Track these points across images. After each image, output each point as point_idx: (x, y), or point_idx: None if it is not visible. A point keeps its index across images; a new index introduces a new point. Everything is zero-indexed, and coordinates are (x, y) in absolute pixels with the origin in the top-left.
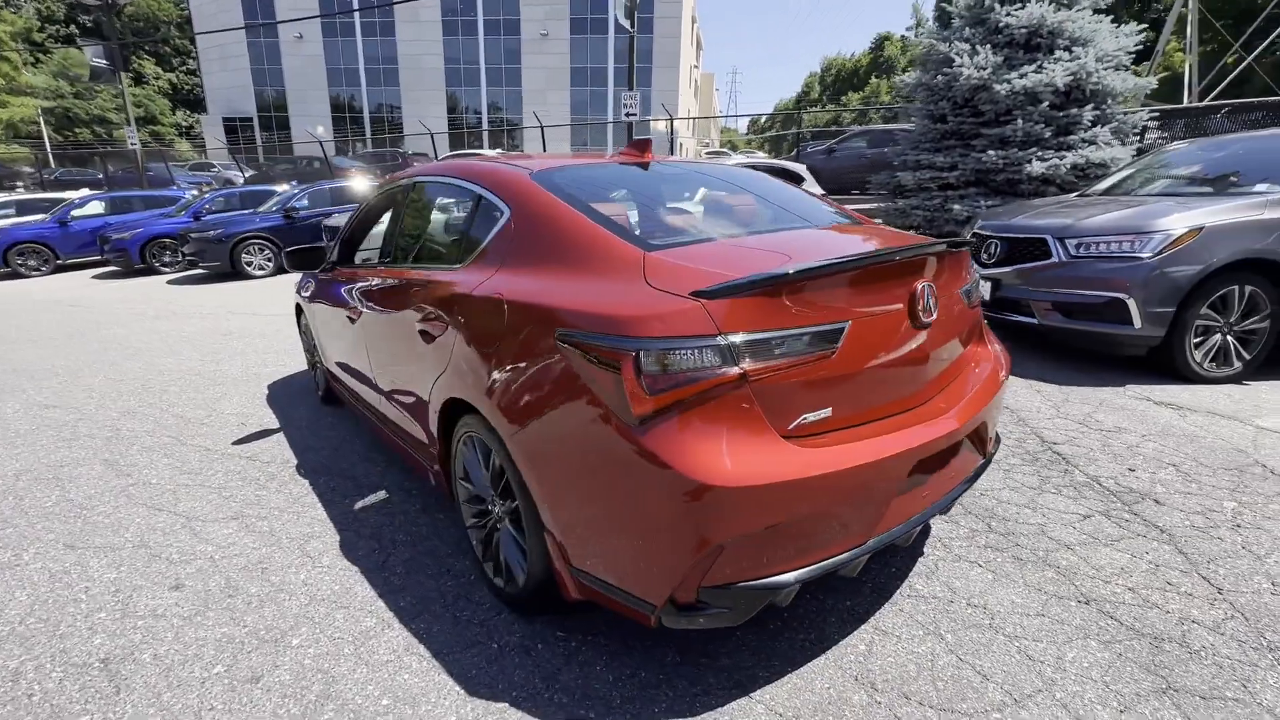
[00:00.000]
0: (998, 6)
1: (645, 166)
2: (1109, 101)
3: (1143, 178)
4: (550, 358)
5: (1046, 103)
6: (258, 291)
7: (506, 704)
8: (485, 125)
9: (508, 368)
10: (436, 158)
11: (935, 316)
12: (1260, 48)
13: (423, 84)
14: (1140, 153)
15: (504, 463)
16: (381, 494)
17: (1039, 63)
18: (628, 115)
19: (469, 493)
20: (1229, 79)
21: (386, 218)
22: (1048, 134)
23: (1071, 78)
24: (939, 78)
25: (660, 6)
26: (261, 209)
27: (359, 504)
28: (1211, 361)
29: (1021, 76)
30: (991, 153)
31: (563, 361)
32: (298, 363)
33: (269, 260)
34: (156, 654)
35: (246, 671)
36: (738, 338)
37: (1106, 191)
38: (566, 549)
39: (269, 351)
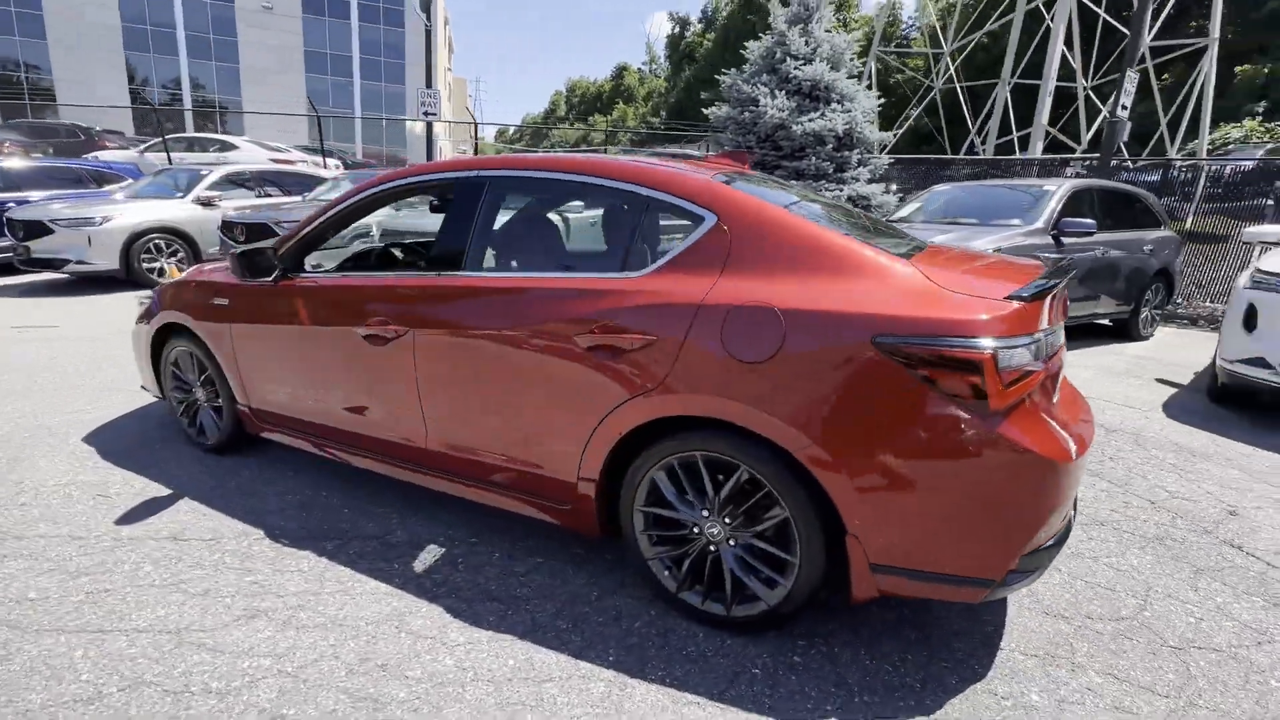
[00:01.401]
0: (788, 59)
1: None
2: (864, 149)
3: (927, 210)
4: (858, 362)
5: (830, 145)
6: None
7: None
8: (188, 104)
9: (796, 377)
10: (162, 136)
11: None
12: (911, 118)
13: (86, 43)
14: (888, 191)
15: (768, 478)
16: (435, 548)
17: (822, 111)
18: (427, 115)
19: (651, 520)
20: (894, 141)
21: (406, 217)
22: (830, 170)
23: (846, 126)
24: (746, 114)
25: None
26: None
27: (419, 564)
28: None
29: (811, 121)
30: (793, 182)
31: (879, 364)
32: (103, 405)
33: None
34: None
35: None
36: (1042, 334)
37: (903, 219)
38: (870, 549)
39: (34, 393)
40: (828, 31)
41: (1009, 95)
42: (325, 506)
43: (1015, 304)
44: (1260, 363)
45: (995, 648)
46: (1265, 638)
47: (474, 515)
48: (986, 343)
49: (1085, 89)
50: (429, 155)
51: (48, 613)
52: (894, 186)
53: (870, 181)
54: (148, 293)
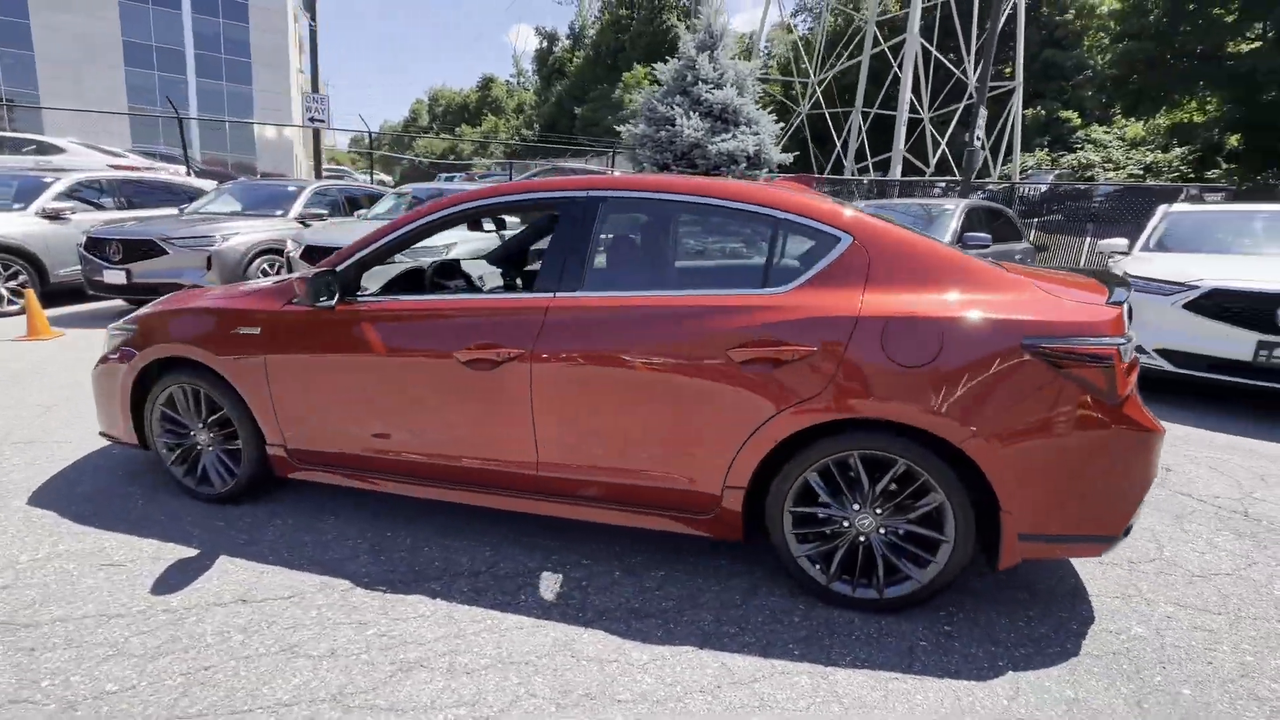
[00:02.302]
0: (700, 83)
1: None
2: (768, 168)
3: None
4: (1010, 361)
5: (743, 164)
6: None
7: (996, 678)
8: None
9: (954, 377)
10: None
11: None
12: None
13: None
14: None
15: (926, 468)
16: (551, 575)
17: (733, 133)
18: (313, 120)
19: (800, 518)
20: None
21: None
22: None
23: (756, 147)
24: (663, 133)
25: None
26: None
27: (547, 593)
28: None
29: (724, 141)
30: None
31: (1027, 362)
32: (20, 463)
33: None
34: None
35: None
36: (1132, 334)
37: None
38: (1020, 522)
39: None
40: (731, 59)
41: (863, 122)
42: (400, 547)
43: (1117, 309)
44: (1138, 350)
45: (1086, 596)
46: (1250, 561)
47: (570, 538)
48: (1111, 340)
49: (926, 120)
50: (317, 165)
51: (148, 703)
52: None
53: None
54: (118, 323)
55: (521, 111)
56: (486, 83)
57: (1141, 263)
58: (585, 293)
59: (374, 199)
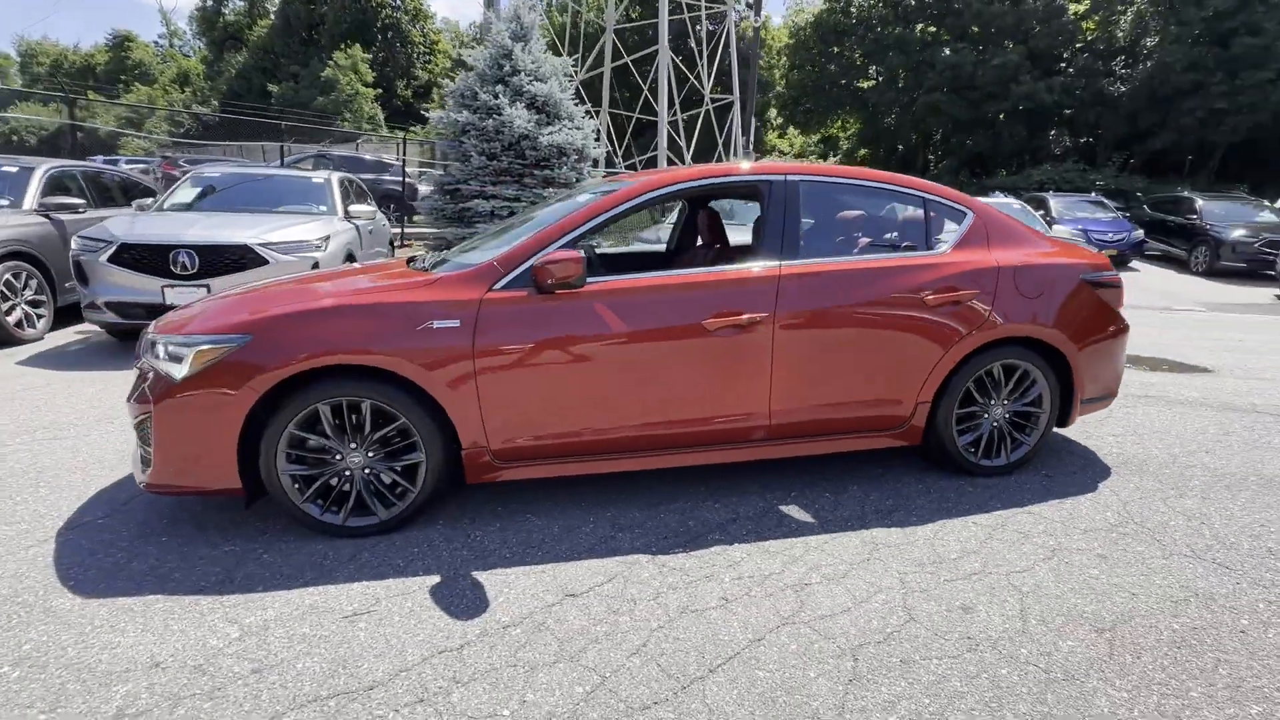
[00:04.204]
0: (520, 74)
1: None
2: (590, 163)
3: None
4: (1080, 290)
5: (573, 157)
6: None
7: (1099, 489)
8: None
9: (1053, 302)
10: None
11: None
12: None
13: None
14: None
15: (1037, 366)
16: (786, 508)
17: (558, 126)
18: None
19: (960, 418)
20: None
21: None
22: (574, 180)
23: (583, 141)
24: (489, 122)
25: None
26: None
27: (800, 517)
28: None
29: (553, 134)
30: (549, 190)
31: (1086, 291)
32: (31, 501)
33: None
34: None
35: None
36: None
37: None
38: (1081, 393)
39: None
40: (544, 54)
41: (610, 122)
42: (635, 522)
43: (1106, 255)
44: None
45: (1074, 441)
46: (1117, 405)
47: (764, 480)
48: (1115, 274)
49: (680, 121)
50: None
51: (645, 677)
52: None
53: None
54: (190, 340)
55: (188, 83)
56: (122, 41)
57: None
58: (804, 260)
59: (129, 185)
